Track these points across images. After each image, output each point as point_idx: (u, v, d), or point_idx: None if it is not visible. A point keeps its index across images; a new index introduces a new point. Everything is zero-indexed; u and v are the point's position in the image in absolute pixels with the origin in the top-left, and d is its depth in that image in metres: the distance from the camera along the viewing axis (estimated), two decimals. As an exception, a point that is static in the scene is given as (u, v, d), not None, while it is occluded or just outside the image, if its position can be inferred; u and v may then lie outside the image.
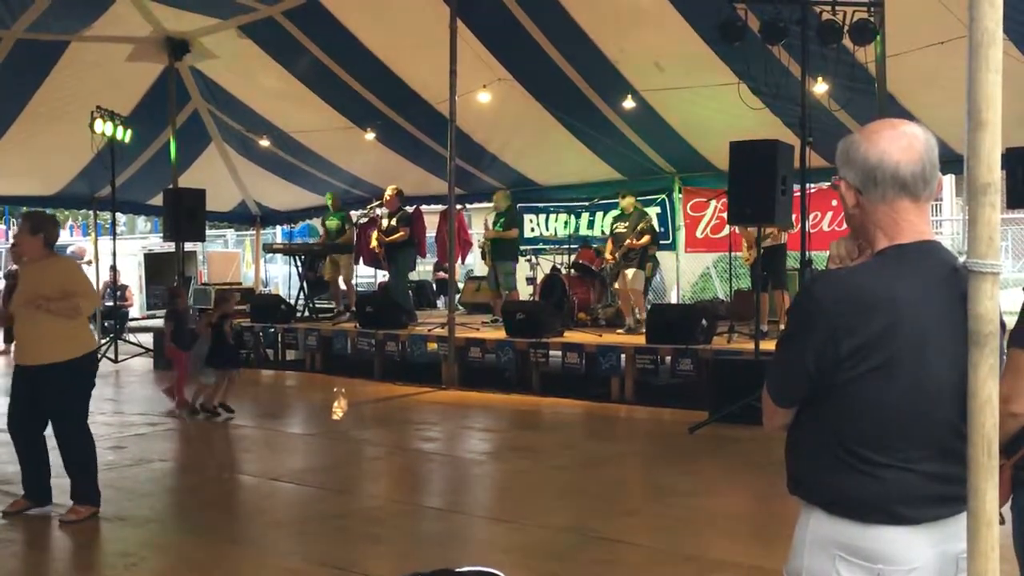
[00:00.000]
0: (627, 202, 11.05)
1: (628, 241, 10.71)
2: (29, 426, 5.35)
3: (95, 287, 6.09)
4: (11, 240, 11.57)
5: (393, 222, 12.05)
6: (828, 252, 2.08)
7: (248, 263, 21.61)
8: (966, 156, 1.70)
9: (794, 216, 8.43)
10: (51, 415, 5.32)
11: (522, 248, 13.55)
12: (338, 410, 9.51)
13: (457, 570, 2.68)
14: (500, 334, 10.59)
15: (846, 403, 1.84)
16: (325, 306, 14.01)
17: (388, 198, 12.13)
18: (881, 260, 1.88)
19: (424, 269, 17.47)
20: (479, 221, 17.77)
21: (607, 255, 11.25)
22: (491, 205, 13.03)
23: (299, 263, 13.76)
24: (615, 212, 13.56)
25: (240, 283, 18.35)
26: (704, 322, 9.42)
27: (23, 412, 5.34)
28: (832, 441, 1.86)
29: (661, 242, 12.42)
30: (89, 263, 16.39)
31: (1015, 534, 2.59)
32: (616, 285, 11.28)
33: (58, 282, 5.22)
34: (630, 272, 10.65)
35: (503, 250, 12.16)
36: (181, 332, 9.10)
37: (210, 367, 8.78)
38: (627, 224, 10.88)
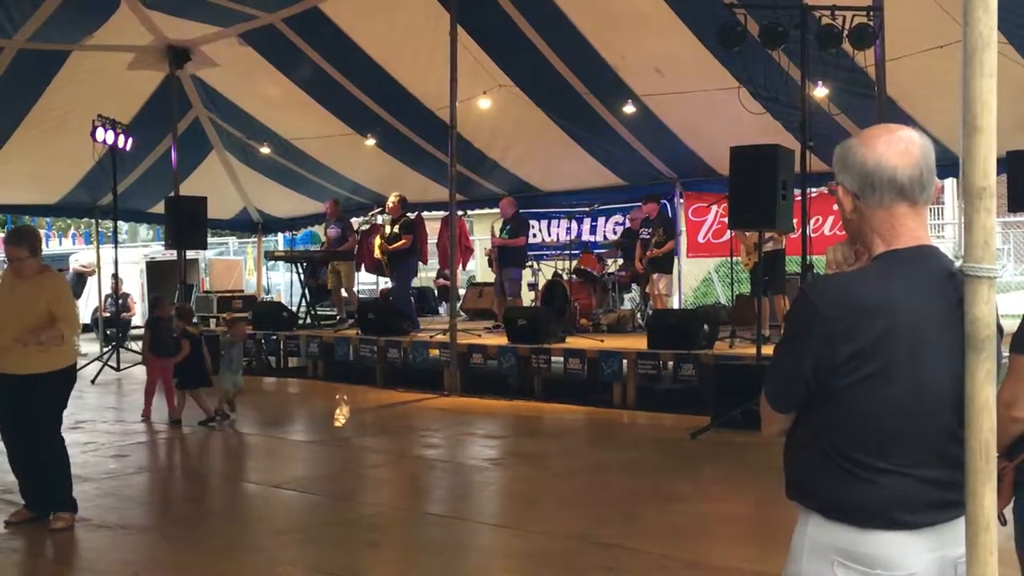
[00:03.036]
0: (649, 207, 11.80)
1: (650, 251, 11.44)
2: (21, 435, 5.36)
3: (77, 308, 6.11)
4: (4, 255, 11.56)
5: (396, 229, 12.03)
6: (825, 257, 2.08)
7: (250, 271, 21.65)
8: (961, 161, 1.71)
9: (795, 220, 8.43)
10: (30, 423, 5.33)
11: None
12: (340, 417, 9.52)
13: None
14: (502, 340, 10.59)
15: (844, 408, 1.83)
16: (327, 313, 14.01)
17: (392, 205, 12.12)
18: (878, 265, 1.88)
19: (426, 276, 17.48)
20: (480, 228, 17.78)
21: (636, 263, 11.94)
22: (494, 211, 13.07)
23: (300, 270, 13.77)
24: (617, 217, 13.64)
25: (242, 290, 18.37)
26: (706, 327, 9.40)
27: (14, 421, 5.36)
28: (830, 446, 1.86)
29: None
30: (93, 273, 16.42)
31: (1017, 536, 2.61)
32: (648, 289, 11.93)
33: (46, 305, 5.24)
34: (662, 282, 11.55)
35: (509, 257, 12.18)
36: (159, 340, 9.11)
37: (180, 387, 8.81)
38: (650, 230, 11.56)
